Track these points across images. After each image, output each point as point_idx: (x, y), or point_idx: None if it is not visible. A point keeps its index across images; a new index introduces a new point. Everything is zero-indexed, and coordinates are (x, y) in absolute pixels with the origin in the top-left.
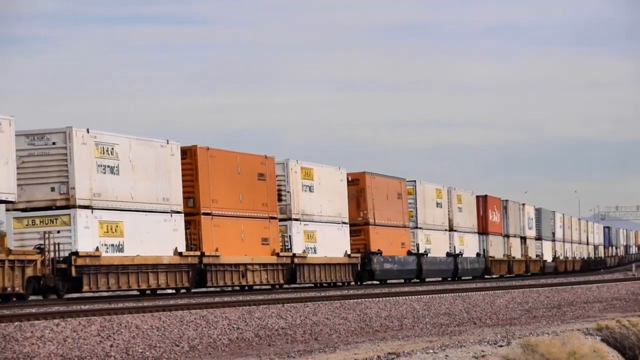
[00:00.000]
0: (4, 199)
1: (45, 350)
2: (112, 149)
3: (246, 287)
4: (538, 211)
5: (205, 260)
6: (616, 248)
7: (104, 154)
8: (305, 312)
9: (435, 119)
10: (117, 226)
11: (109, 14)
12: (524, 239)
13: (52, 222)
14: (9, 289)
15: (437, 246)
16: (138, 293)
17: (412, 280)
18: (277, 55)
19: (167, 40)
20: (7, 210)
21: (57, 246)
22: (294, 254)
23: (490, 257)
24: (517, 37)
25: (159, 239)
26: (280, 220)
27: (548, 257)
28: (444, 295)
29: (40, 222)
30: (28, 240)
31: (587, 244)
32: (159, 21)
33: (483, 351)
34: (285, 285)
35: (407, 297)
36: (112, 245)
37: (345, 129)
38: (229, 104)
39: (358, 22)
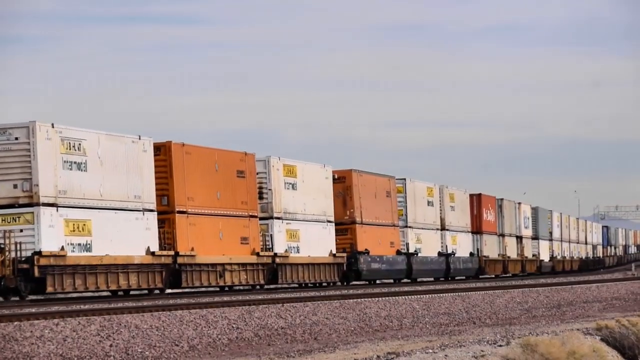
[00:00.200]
0: None
1: (44, 350)
2: (79, 144)
3: (226, 288)
4: (535, 210)
5: (179, 260)
6: (615, 248)
7: (70, 149)
8: (304, 312)
9: (433, 119)
10: (84, 225)
11: (108, 14)
12: (520, 238)
13: (15, 221)
14: None
15: (428, 245)
16: (109, 294)
17: (402, 280)
18: (275, 55)
19: (166, 41)
20: None
21: (18, 245)
22: (276, 254)
23: (485, 256)
24: (515, 37)
25: (129, 238)
26: (262, 218)
27: (545, 256)
28: (444, 295)
29: (2, 220)
30: None
31: (586, 243)
32: (157, 21)
33: (482, 351)
34: (267, 286)
35: (406, 297)
36: (79, 244)
37: (343, 129)
38: (228, 104)
39: (356, 22)
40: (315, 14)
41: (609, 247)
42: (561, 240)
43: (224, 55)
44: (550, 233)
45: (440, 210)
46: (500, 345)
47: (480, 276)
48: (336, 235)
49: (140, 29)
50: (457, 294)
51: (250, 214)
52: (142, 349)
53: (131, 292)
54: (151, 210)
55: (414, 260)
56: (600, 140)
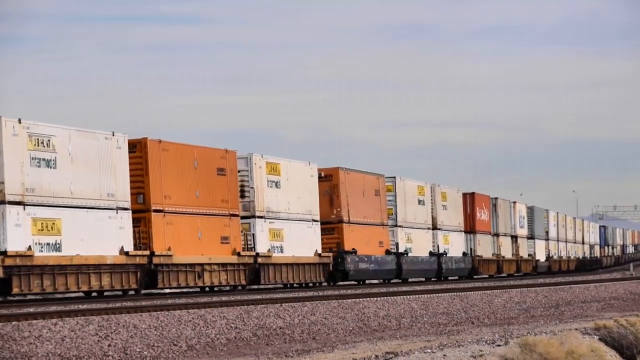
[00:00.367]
0: None
1: (43, 350)
2: (49, 140)
3: (206, 289)
4: (530, 209)
5: (155, 260)
6: (612, 247)
7: (38, 146)
8: (303, 312)
9: (431, 119)
10: (53, 224)
11: (107, 13)
12: (515, 238)
13: None
14: None
15: (419, 245)
16: (83, 295)
17: (392, 281)
18: (272, 55)
19: (163, 40)
20: None
21: None
22: (258, 253)
23: (478, 256)
24: (513, 37)
25: (102, 238)
26: (243, 217)
27: (541, 256)
28: (442, 294)
29: None
30: None
31: (583, 243)
32: (154, 21)
33: (481, 350)
34: (249, 287)
35: (405, 297)
36: (48, 244)
37: (340, 129)
38: (226, 104)
39: (354, 22)
40: (313, 14)
41: (606, 247)
42: (558, 240)
43: (221, 56)
44: (547, 232)
45: (432, 209)
46: (499, 345)
47: (475, 276)
48: (323, 234)
49: (132, 29)
50: (455, 293)
51: (231, 212)
52: (140, 348)
53: (105, 293)
54: (125, 209)
55: (404, 260)
56: (598, 140)
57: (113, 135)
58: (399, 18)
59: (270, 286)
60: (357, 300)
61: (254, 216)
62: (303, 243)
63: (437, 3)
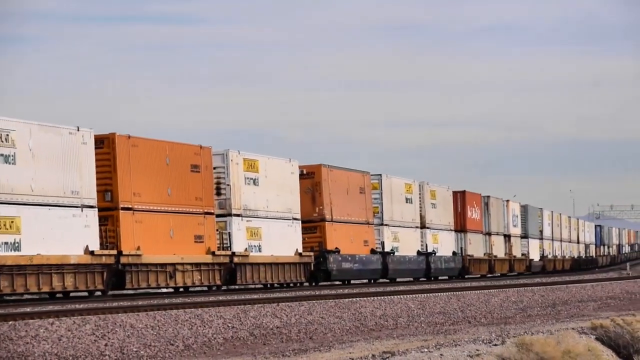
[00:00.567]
0: None
1: (39, 350)
2: (7, 135)
3: (181, 289)
4: (524, 208)
5: (123, 259)
6: (608, 247)
7: None
8: (300, 311)
9: (429, 118)
10: (12, 222)
11: (106, 13)
12: (508, 237)
13: None
14: None
15: (406, 244)
16: (47, 296)
17: (378, 281)
18: (269, 54)
19: (159, 40)
20: None
21: None
22: (234, 253)
23: (469, 255)
24: (510, 37)
25: (66, 237)
26: (219, 216)
27: (535, 256)
28: (439, 294)
29: None
30: None
31: (578, 242)
32: (153, 21)
33: (478, 350)
34: (224, 287)
35: (402, 296)
36: (6, 243)
37: (334, 128)
38: (222, 103)
39: (350, 22)
40: (309, 13)
41: (602, 247)
42: (552, 239)
43: (215, 54)
44: (541, 232)
45: (420, 207)
46: (496, 345)
47: (466, 276)
48: (304, 233)
49: (128, 29)
50: (452, 293)
51: (206, 210)
52: (137, 348)
53: (71, 295)
54: (91, 207)
55: (390, 259)
56: (596, 140)
57: (78, 130)
58: (396, 17)
59: (250, 286)
60: (354, 299)
61: (230, 214)
62: (283, 242)
63: (434, 2)
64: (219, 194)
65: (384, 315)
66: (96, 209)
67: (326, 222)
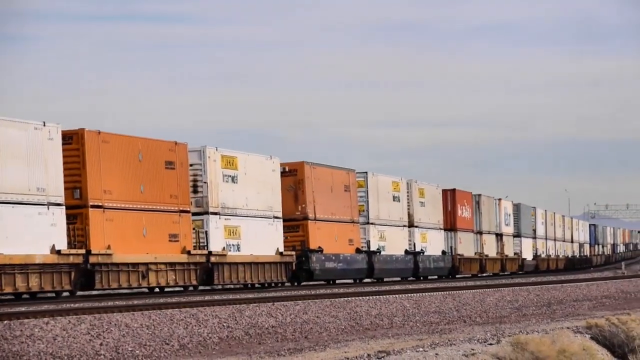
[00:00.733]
0: None
1: (34, 349)
2: None
3: (156, 289)
4: (517, 207)
5: (92, 259)
6: (603, 246)
7: None
8: (295, 311)
9: (426, 118)
10: None
11: (100, 12)
12: (500, 236)
13: None
14: None
15: (393, 243)
16: (13, 297)
17: (363, 281)
18: (265, 53)
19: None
20: None
21: None
22: (210, 252)
23: (459, 255)
24: (506, 36)
25: (30, 235)
26: (196, 214)
27: (528, 255)
28: (434, 293)
29: None
30: None
31: (572, 241)
32: (149, 20)
33: (473, 349)
34: (201, 287)
35: (397, 296)
36: None
37: (332, 128)
38: (218, 103)
39: (345, 21)
40: (306, 13)
41: (596, 246)
42: (546, 239)
43: (214, 55)
44: (534, 231)
45: (408, 206)
46: (491, 344)
47: (457, 276)
48: (287, 232)
49: (127, 28)
50: (447, 292)
51: (181, 208)
52: (132, 347)
53: (38, 295)
54: (58, 205)
55: (376, 258)
56: (593, 140)
57: (44, 125)
58: (392, 16)
59: (230, 286)
60: (349, 299)
61: (207, 212)
62: (263, 241)
63: (429, 2)
64: (195, 191)
65: (379, 314)
66: (64, 207)
67: (309, 221)
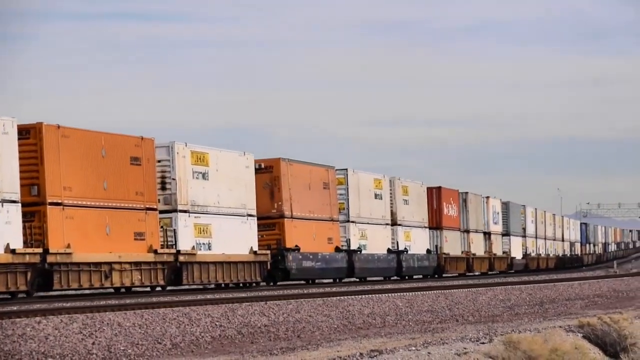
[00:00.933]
0: None
1: (26, 348)
2: None
3: (122, 289)
4: (506, 205)
5: (50, 258)
6: (594, 245)
7: None
8: (288, 310)
9: (418, 116)
10: None
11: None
12: (488, 234)
13: None
14: None
15: (375, 242)
16: None
17: (343, 280)
18: (254, 53)
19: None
20: None
21: None
22: (179, 251)
23: (445, 254)
24: (497, 36)
25: None
26: (164, 212)
27: (517, 254)
28: (427, 292)
29: None
30: None
31: (563, 240)
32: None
33: (465, 348)
34: (169, 287)
35: (390, 295)
36: None
37: (328, 127)
38: (212, 102)
39: (332, 19)
40: (295, 11)
41: (587, 245)
42: (536, 237)
43: (206, 54)
44: (524, 229)
45: (391, 203)
46: (483, 343)
47: (444, 275)
48: (262, 230)
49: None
50: (440, 291)
51: (147, 206)
52: (124, 346)
53: None
54: (13, 202)
55: (357, 257)
56: (585, 139)
57: None
58: (381, 15)
59: (200, 287)
60: (342, 298)
61: (176, 210)
62: (236, 240)
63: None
64: (164, 188)
65: (372, 313)
66: (19, 204)
67: (285, 219)
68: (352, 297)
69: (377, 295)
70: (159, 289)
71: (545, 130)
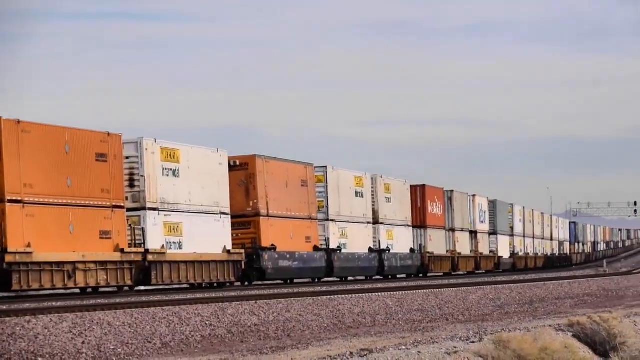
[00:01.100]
0: None
1: (16, 348)
2: None
3: (89, 290)
4: (493, 203)
5: (8, 258)
6: (583, 244)
7: None
8: (278, 309)
9: (409, 116)
10: None
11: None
12: (474, 233)
13: None
14: None
15: (356, 241)
16: None
17: (322, 280)
18: (246, 52)
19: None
20: None
21: None
22: (147, 250)
23: (429, 253)
24: (487, 36)
25: None
26: (132, 209)
27: (505, 253)
28: (417, 291)
29: None
30: None
31: (552, 239)
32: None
33: (455, 347)
34: (137, 288)
35: (380, 294)
36: None
37: (319, 126)
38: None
39: (323, 19)
40: (288, 11)
41: (576, 244)
42: (524, 236)
43: (197, 53)
44: (512, 228)
45: (373, 202)
46: (473, 342)
47: (428, 274)
48: (237, 229)
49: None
50: (430, 290)
51: (114, 204)
52: (114, 346)
53: None
54: None
55: (336, 257)
56: (576, 138)
57: None
58: (370, 14)
59: (174, 286)
60: (332, 297)
61: (144, 208)
62: (208, 238)
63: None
64: (132, 185)
65: (362, 312)
66: None
67: (261, 217)
68: (343, 296)
69: (367, 294)
70: (126, 289)
71: (536, 130)
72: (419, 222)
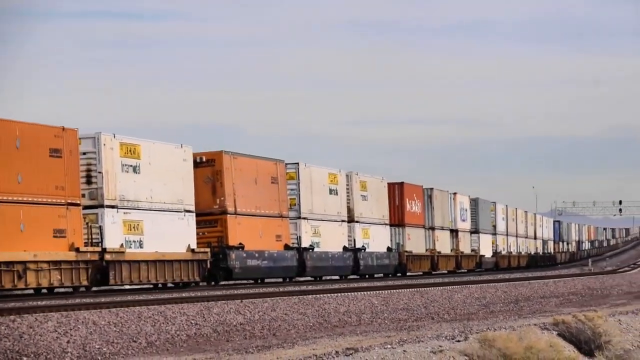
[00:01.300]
0: None
1: (0, 347)
2: None
3: (44, 290)
4: (474, 201)
5: None
6: (567, 243)
7: None
8: (263, 308)
9: (398, 116)
10: None
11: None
12: (455, 232)
13: None
14: None
15: (330, 239)
16: None
17: (294, 279)
18: (249, 50)
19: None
20: None
21: None
22: (105, 249)
23: (407, 252)
24: (476, 35)
25: None
26: (90, 207)
27: (487, 252)
28: (403, 290)
29: None
30: None
31: (535, 238)
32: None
33: (441, 346)
34: (95, 288)
35: (365, 292)
36: None
37: (298, 124)
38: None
39: (319, 18)
40: (279, 11)
41: (561, 243)
42: (507, 235)
43: (185, 52)
44: (494, 227)
45: (348, 199)
46: (459, 341)
47: (407, 274)
48: (203, 227)
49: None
50: (415, 289)
51: (69, 201)
52: (99, 345)
53: None
54: None
55: (309, 255)
56: (561, 137)
57: None
58: (360, 13)
59: (134, 287)
60: (318, 296)
61: (102, 205)
62: (171, 237)
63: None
64: (89, 182)
65: (348, 311)
66: None
67: (228, 215)
68: (328, 295)
69: (352, 293)
70: (82, 289)
71: (522, 129)
72: (397, 220)
